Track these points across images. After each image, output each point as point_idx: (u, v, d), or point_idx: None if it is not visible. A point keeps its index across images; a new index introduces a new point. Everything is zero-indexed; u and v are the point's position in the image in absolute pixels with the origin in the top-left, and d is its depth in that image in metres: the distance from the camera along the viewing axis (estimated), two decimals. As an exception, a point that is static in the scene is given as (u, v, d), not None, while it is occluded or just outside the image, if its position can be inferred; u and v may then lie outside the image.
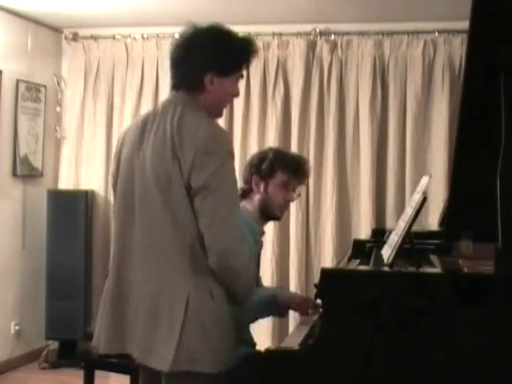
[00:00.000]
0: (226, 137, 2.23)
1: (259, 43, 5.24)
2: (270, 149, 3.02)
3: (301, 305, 2.94)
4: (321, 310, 2.67)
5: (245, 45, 2.26)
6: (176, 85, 2.26)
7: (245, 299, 2.25)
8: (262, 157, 2.90)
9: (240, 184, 2.86)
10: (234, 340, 2.23)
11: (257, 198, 2.87)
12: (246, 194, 2.89)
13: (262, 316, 2.99)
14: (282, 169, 2.87)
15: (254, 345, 2.88)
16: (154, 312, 2.15)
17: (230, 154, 2.16)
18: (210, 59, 2.19)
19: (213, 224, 2.10)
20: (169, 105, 2.23)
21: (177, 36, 2.28)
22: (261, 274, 3.18)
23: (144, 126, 2.24)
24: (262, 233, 2.95)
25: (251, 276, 2.28)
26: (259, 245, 2.91)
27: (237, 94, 2.32)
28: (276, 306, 2.90)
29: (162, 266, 2.16)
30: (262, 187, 2.86)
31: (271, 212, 2.90)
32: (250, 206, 2.87)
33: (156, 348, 2.14)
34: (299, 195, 3.07)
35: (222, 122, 4.83)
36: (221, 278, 2.15)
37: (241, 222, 2.24)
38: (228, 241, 2.11)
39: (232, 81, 2.26)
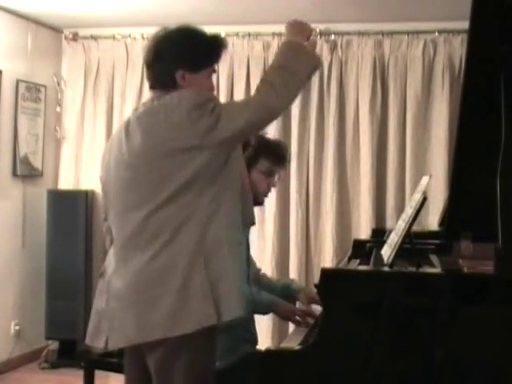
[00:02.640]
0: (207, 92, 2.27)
1: (259, 43, 5.25)
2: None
3: (301, 317, 2.92)
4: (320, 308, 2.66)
5: (212, 41, 2.33)
6: (151, 85, 2.32)
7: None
8: (244, 144, 2.85)
9: None
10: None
11: None
12: None
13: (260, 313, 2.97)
14: (266, 155, 2.84)
15: (256, 342, 2.87)
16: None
17: (217, 99, 2.23)
18: (179, 56, 2.26)
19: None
20: (148, 102, 2.29)
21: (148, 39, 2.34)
22: (261, 274, 3.17)
23: (127, 126, 2.26)
24: None
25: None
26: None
27: (212, 88, 2.37)
28: (275, 312, 2.88)
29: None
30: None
31: (255, 199, 2.82)
32: None
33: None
34: (280, 178, 3.01)
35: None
36: None
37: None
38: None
39: (204, 76, 2.31)
